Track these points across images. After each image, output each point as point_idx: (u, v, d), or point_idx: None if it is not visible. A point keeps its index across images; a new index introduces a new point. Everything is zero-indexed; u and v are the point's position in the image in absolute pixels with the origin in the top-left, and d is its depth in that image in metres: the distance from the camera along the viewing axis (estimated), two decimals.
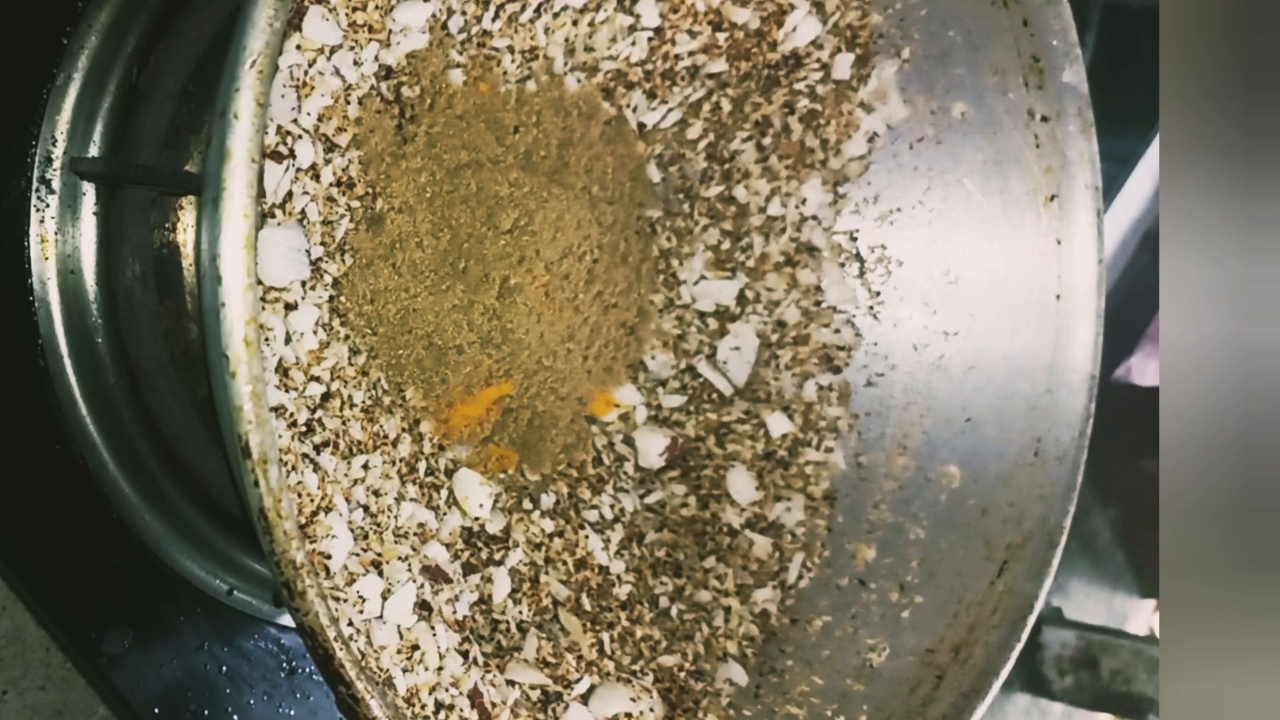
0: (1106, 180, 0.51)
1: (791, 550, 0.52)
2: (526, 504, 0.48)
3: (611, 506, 0.51)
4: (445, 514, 0.44)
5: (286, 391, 0.38)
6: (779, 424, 0.54)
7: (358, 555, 0.39)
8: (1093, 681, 1.00)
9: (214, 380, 0.30)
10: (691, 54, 0.52)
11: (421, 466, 0.44)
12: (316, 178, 0.40)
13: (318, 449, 0.38)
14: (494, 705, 0.41)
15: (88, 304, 0.47)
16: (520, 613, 0.45)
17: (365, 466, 0.40)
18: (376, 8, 0.42)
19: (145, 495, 0.49)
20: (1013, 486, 0.50)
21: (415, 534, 0.42)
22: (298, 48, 0.39)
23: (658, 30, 0.51)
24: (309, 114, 0.39)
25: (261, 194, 0.37)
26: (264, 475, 0.29)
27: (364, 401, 0.41)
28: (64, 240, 0.47)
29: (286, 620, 0.52)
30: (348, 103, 0.41)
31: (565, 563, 0.48)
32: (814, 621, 0.50)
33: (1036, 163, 0.51)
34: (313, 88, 0.39)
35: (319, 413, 0.39)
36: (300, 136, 0.39)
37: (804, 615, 0.51)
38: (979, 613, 0.47)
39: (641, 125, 0.53)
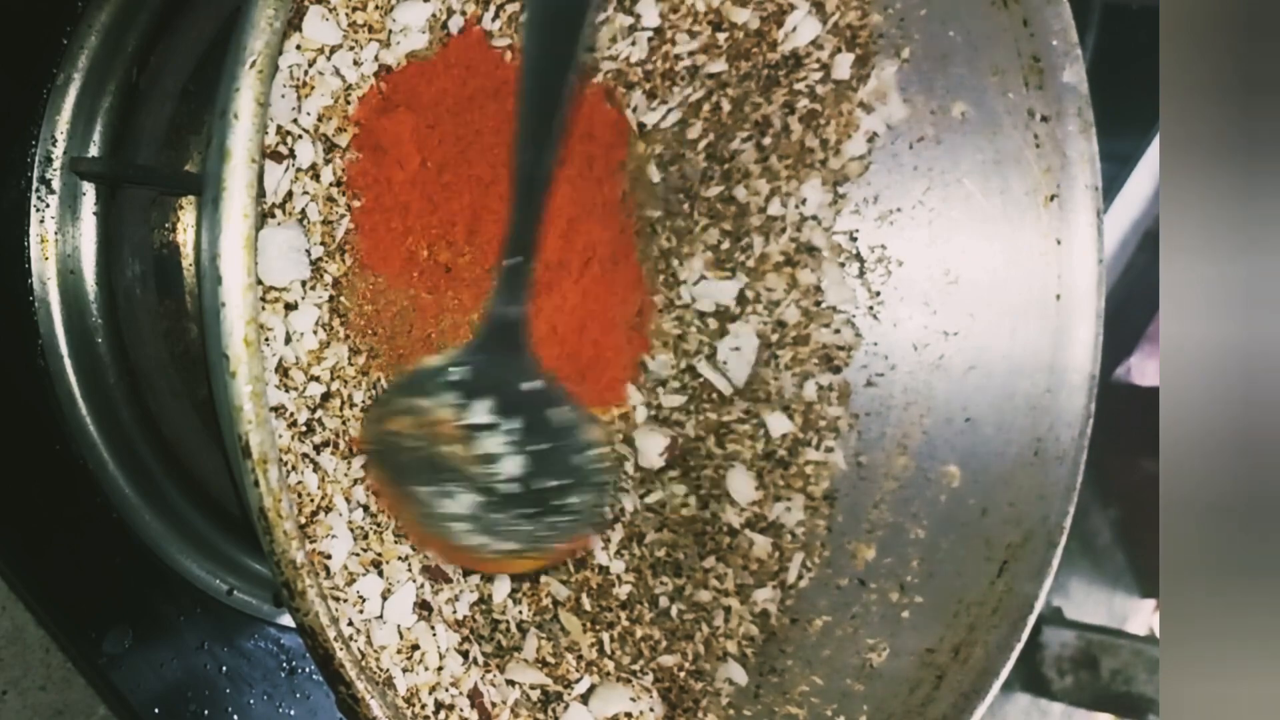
0: (1106, 180, 0.51)
1: (791, 550, 0.52)
2: None
3: (611, 506, 0.51)
4: None
5: (286, 391, 0.38)
6: (779, 424, 0.54)
7: (358, 555, 0.39)
8: (1093, 681, 1.00)
9: (214, 380, 0.30)
10: (691, 54, 0.52)
11: None
12: (316, 177, 0.40)
13: (318, 449, 0.38)
14: (494, 705, 0.41)
15: (88, 304, 0.47)
16: (520, 613, 0.45)
17: (365, 466, 0.40)
18: (376, 8, 0.42)
19: (145, 495, 0.49)
20: (1013, 486, 0.50)
21: None
22: (298, 48, 0.39)
23: (658, 30, 0.51)
24: (309, 114, 0.39)
25: (261, 194, 0.37)
26: (264, 475, 0.29)
27: (364, 401, 0.41)
28: (64, 240, 0.47)
29: (286, 620, 0.52)
30: (348, 102, 0.41)
31: (565, 563, 0.48)
32: (814, 621, 0.50)
33: (1036, 163, 0.51)
34: (313, 88, 0.40)
35: (319, 412, 0.39)
36: (300, 136, 0.39)
37: (804, 615, 0.51)
38: (979, 613, 0.47)
39: (641, 125, 0.53)
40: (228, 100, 0.29)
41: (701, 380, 0.54)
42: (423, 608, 0.40)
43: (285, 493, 0.30)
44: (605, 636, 0.47)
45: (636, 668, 0.47)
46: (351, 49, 0.41)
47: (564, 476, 0.38)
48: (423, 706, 0.38)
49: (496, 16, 0.46)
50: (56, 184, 0.46)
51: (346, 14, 0.41)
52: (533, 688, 0.43)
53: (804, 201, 0.54)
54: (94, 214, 0.47)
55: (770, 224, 0.55)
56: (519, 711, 0.42)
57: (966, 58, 0.51)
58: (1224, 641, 0.35)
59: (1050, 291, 0.51)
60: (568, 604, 0.47)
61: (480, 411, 0.37)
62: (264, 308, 0.37)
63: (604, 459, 0.40)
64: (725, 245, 0.55)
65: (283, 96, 0.39)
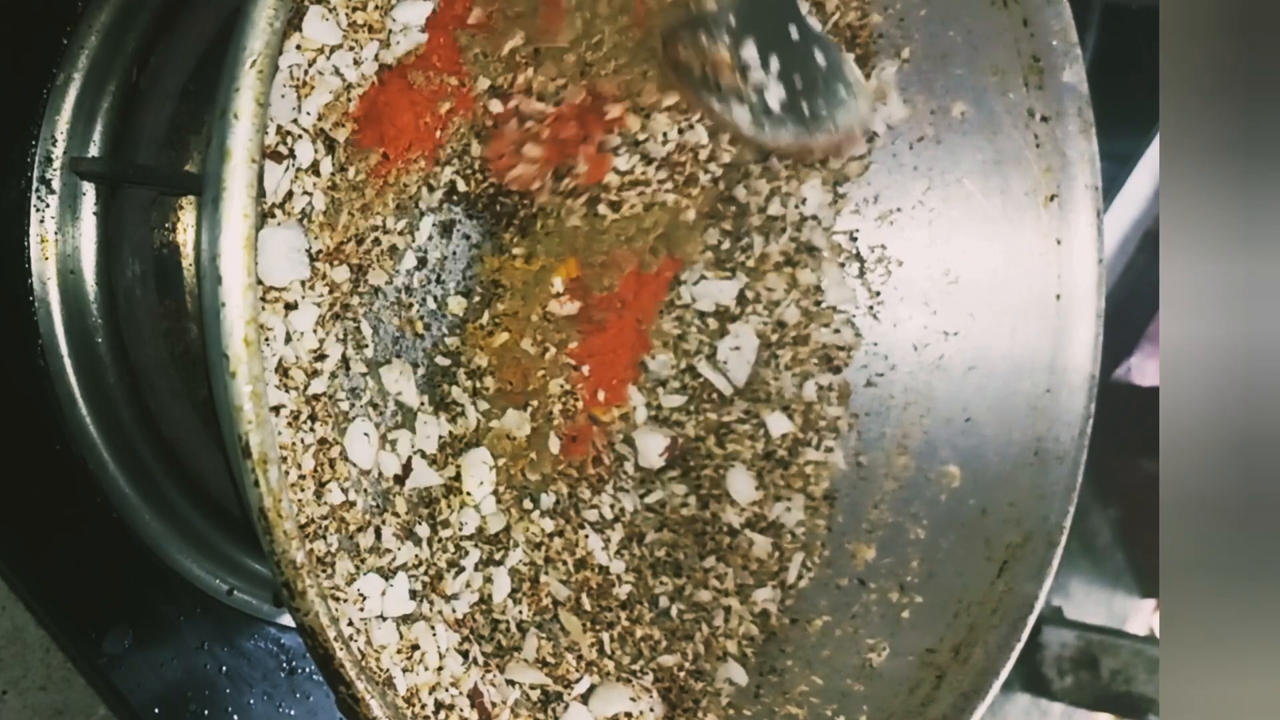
0: (1106, 180, 0.51)
1: (791, 550, 0.52)
2: (526, 504, 0.48)
3: (611, 506, 0.51)
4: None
5: (286, 391, 0.38)
6: (779, 424, 0.54)
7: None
8: (1093, 681, 1.00)
9: (214, 380, 0.30)
10: None
11: None
12: (317, 173, 0.40)
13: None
14: (494, 705, 0.41)
15: (88, 304, 0.47)
16: (520, 613, 0.45)
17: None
18: (376, 7, 0.42)
19: (145, 495, 0.49)
20: (1013, 486, 0.50)
21: None
22: (298, 48, 0.39)
23: None
24: (309, 113, 0.39)
25: (261, 194, 0.37)
26: (264, 475, 0.29)
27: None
28: (64, 240, 0.47)
29: (286, 620, 0.52)
30: (348, 101, 0.41)
31: (565, 563, 0.48)
32: (814, 621, 0.50)
33: (1036, 163, 0.51)
34: (313, 87, 0.40)
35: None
36: (300, 136, 0.39)
37: (804, 615, 0.51)
38: (979, 613, 0.47)
39: None
40: (228, 100, 0.29)
41: (701, 380, 0.54)
42: (415, 598, 0.40)
43: (285, 492, 0.30)
44: (605, 636, 0.47)
45: (636, 668, 0.47)
46: (351, 49, 0.41)
47: (828, 99, 0.46)
48: (423, 706, 0.38)
49: None
50: (56, 184, 0.46)
51: (346, 14, 0.41)
52: (533, 688, 0.43)
53: (804, 201, 0.54)
54: (94, 214, 0.47)
55: (770, 224, 0.55)
56: (519, 711, 0.42)
57: (966, 58, 0.51)
58: (1224, 641, 0.35)
59: (1050, 291, 0.51)
60: (568, 604, 0.47)
61: (749, 50, 0.44)
62: (264, 308, 0.37)
63: (861, 83, 0.47)
64: (725, 245, 0.55)
65: (283, 96, 0.39)
